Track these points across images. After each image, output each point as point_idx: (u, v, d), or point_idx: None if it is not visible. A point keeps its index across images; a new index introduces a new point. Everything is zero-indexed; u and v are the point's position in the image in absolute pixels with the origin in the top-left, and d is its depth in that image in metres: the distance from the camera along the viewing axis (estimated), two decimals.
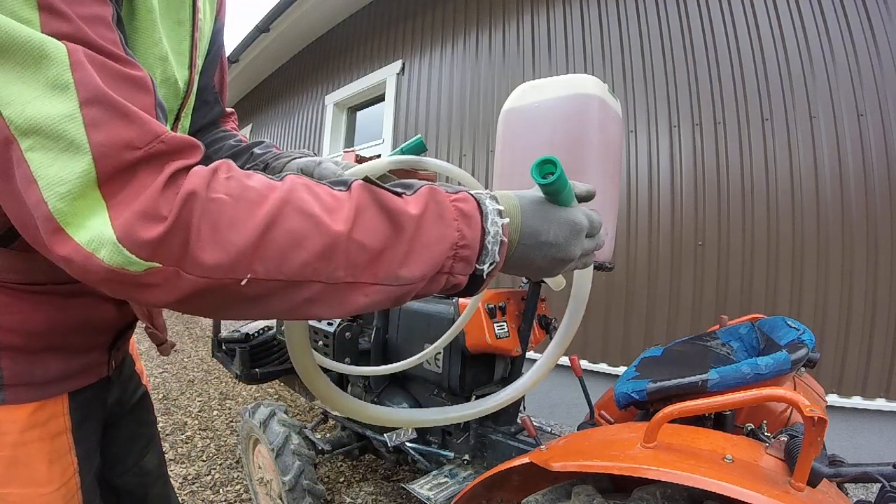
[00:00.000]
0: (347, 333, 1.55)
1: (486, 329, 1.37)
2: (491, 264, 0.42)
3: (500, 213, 0.43)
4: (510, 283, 3.29)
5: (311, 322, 1.64)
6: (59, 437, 0.53)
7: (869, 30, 2.28)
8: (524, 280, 1.52)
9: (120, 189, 0.30)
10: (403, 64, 4.51)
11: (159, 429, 0.89)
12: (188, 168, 0.33)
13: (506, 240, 0.42)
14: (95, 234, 0.29)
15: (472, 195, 0.43)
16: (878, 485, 0.79)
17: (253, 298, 0.34)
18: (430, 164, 0.65)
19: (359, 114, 5.58)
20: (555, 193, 0.45)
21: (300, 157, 0.70)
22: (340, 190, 0.37)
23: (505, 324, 1.43)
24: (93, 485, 0.59)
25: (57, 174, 0.29)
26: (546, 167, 0.44)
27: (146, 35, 0.47)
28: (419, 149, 0.64)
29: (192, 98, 0.62)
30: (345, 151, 4.14)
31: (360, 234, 0.35)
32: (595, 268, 1.33)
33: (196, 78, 0.60)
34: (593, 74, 1.65)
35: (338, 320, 1.57)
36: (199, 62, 0.61)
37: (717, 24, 2.67)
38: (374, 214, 0.37)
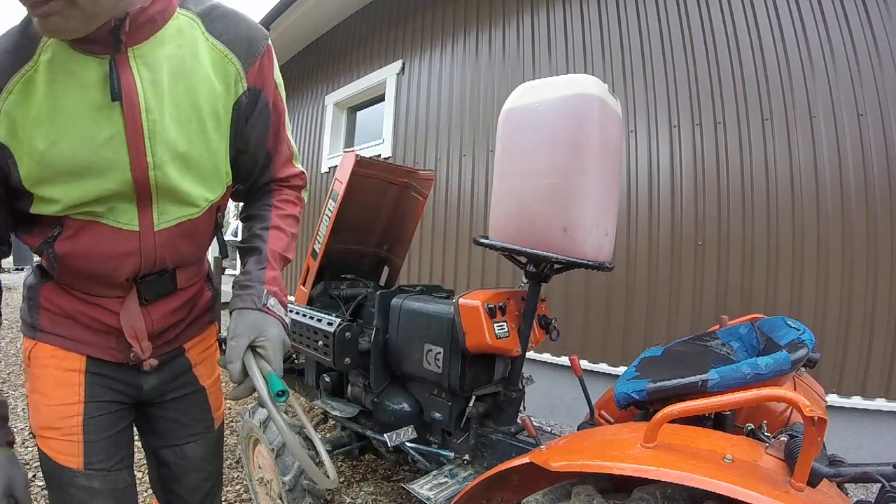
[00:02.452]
0: (347, 333, 1.55)
1: (485, 329, 1.37)
2: None
3: None
4: (510, 282, 3.30)
5: (311, 322, 1.64)
6: (70, 374, 0.79)
7: (869, 30, 2.28)
8: (524, 280, 1.52)
9: None
10: (403, 64, 4.51)
11: None
12: None
13: None
14: None
15: None
16: (878, 485, 0.79)
17: None
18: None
19: (359, 114, 5.58)
20: None
21: (240, 311, 0.77)
22: None
23: (505, 324, 1.43)
24: (100, 428, 0.80)
25: None
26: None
27: (29, 127, 0.61)
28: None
29: (164, 184, 0.70)
30: (345, 151, 4.12)
31: None
32: (595, 268, 1.33)
33: (149, 161, 0.67)
34: (593, 74, 1.65)
35: (337, 320, 1.57)
36: (154, 146, 0.67)
37: (717, 24, 2.66)
38: None
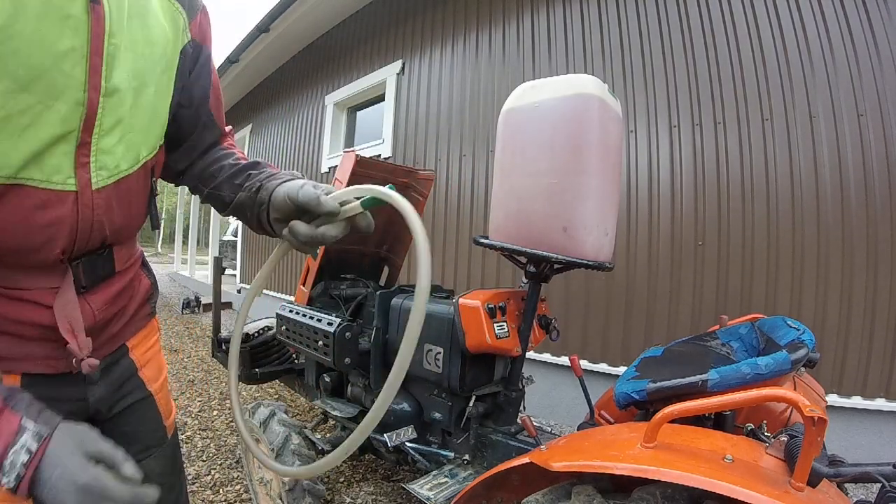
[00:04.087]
0: (347, 333, 1.55)
1: (486, 329, 1.37)
2: (15, 479, 0.48)
3: (29, 451, 0.49)
4: (510, 282, 3.30)
5: (311, 322, 1.64)
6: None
7: (869, 30, 2.28)
8: (524, 280, 1.52)
9: None
10: (403, 64, 4.51)
11: None
12: None
13: (27, 474, 0.49)
14: None
15: (20, 418, 0.51)
16: (878, 485, 0.79)
17: None
18: (400, 204, 0.60)
19: (359, 114, 5.58)
20: None
21: (289, 181, 0.74)
22: None
23: (505, 323, 1.43)
24: None
25: None
26: None
27: None
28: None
29: (111, 117, 0.63)
30: (345, 151, 4.11)
31: None
32: (595, 268, 1.33)
33: (103, 85, 0.60)
34: (593, 74, 1.65)
35: (337, 320, 1.57)
36: (109, 71, 0.60)
37: (717, 24, 2.67)
38: None
